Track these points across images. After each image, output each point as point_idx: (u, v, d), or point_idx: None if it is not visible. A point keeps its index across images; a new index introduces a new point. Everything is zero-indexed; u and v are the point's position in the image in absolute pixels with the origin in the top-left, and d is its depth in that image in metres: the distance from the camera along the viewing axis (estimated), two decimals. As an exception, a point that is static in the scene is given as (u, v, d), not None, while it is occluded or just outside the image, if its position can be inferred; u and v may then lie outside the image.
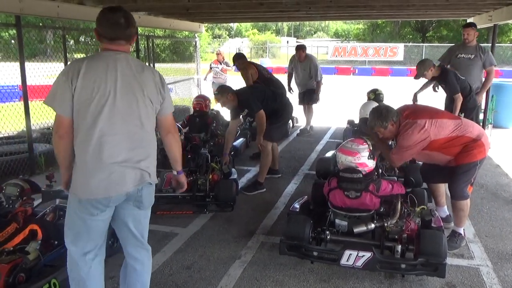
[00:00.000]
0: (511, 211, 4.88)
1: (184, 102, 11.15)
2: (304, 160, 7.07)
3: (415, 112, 3.83)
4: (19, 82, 6.01)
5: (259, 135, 5.40)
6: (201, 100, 7.05)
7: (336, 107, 10.82)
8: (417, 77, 5.71)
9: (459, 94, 5.62)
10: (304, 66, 8.69)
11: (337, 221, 3.64)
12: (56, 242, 3.34)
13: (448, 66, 6.25)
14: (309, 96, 8.88)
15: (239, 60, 7.31)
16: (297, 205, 3.95)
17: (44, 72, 7.14)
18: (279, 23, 51.55)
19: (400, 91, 15.51)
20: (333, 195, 3.65)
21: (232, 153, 6.67)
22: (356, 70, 28.62)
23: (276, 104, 5.55)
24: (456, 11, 8.42)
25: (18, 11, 5.51)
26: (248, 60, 7.61)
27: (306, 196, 4.18)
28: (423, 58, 30.97)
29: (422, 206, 3.73)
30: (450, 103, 5.82)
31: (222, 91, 5.36)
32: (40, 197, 3.72)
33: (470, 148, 3.75)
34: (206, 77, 11.95)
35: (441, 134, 3.72)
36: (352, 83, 19.77)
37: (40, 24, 9.27)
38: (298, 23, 54.66)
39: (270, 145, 5.57)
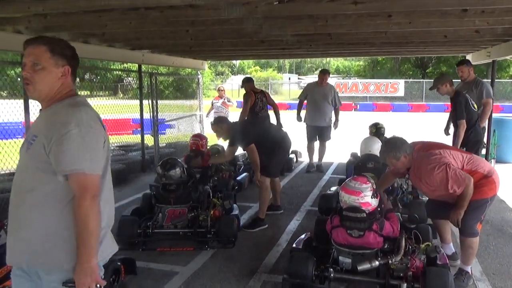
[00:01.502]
0: (518, 248, 4.79)
1: (186, 138, 11.18)
2: (307, 196, 7.01)
3: (426, 146, 3.86)
4: (23, 119, 6.06)
5: (256, 171, 5.40)
6: (197, 140, 7.06)
7: (338, 143, 10.83)
8: (432, 88, 5.77)
9: (463, 121, 5.47)
10: (323, 91, 8.65)
11: (340, 258, 3.57)
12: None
13: None
14: (323, 134, 8.79)
15: (247, 83, 7.98)
16: (299, 242, 3.90)
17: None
18: (281, 60, 52.37)
19: (401, 127, 15.59)
20: (336, 233, 3.59)
21: (236, 187, 6.67)
22: (358, 106, 28.84)
23: (272, 139, 5.53)
24: (455, 47, 8.54)
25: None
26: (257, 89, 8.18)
27: (308, 233, 4.12)
28: (424, 93, 30.96)
29: (427, 243, 3.66)
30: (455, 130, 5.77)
31: (218, 121, 5.61)
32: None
33: (481, 185, 3.71)
34: (208, 114, 12.01)
35: (456, 163, 3.68)
36: (353, 119, 19.86)
37: (46, 62, 9.41)
38: (299, 60, 55.54)
39: (268, 181, 5.52)
